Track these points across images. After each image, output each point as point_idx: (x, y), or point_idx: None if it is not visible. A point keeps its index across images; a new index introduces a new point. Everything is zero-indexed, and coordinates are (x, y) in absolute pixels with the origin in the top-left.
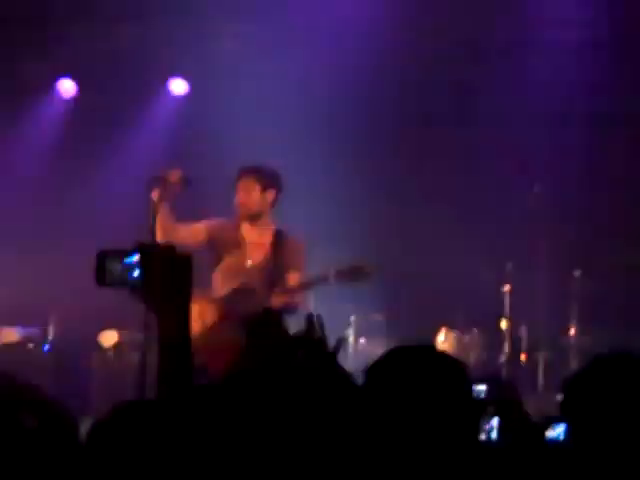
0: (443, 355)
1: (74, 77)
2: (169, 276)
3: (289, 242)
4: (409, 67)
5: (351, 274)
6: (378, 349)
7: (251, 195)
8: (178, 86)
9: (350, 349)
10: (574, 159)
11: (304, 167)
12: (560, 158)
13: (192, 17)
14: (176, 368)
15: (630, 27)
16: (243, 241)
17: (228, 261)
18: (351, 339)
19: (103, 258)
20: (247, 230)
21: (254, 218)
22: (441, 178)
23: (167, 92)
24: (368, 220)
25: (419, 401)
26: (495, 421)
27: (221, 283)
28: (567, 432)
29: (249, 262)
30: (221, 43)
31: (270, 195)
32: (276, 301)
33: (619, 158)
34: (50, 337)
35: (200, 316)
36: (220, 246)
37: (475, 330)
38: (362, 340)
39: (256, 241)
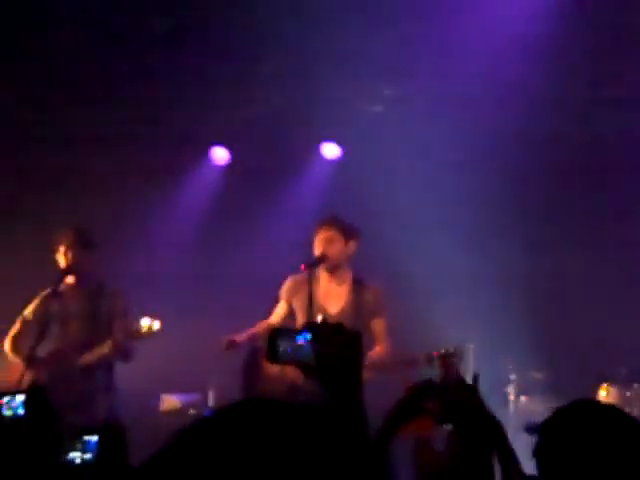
0: (619, 412)
1: (226, 144)
2: (340, 354)
3: (368, 289)
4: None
5: (406, 364)
6: (539, 407)
7: (335, 246)
8: (331, 150)
9: (511, 407)
10: None
11: (455, 224)
12: None
13: (343, 79)
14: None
15: None
16: (318, 295)
17: (300, 316)
18: (512, 397)
19: (275, 336)
20: (325, 281)
21: (334, 269)
22: (598, 233)
23: (320, 156)
24: (526, 277)
25: (596, 459)
26: None
27: None
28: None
29: (322, 315)
30: (372, 106)
31: (353, 245)
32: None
33: None
34: (210, 403)
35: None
36: (296, 302)
37: (637, 385)
38: (523, 398)
39: (335, 292)
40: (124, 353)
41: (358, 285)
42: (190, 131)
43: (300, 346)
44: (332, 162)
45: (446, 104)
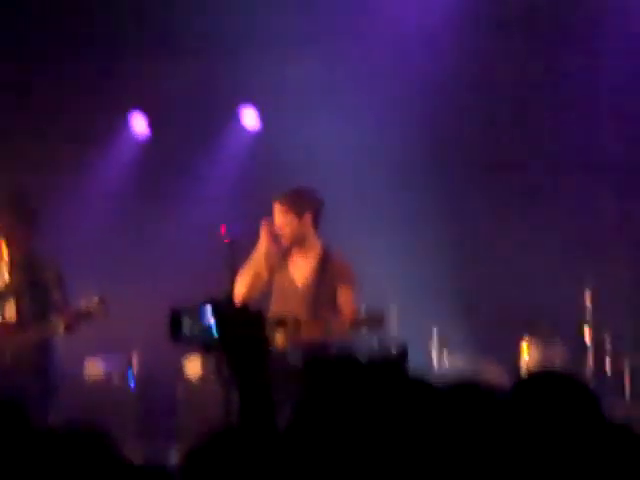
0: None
1: (146, 113)
2: (244, 333)
3: (335, 261)
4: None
5: (365, 324)
6: (461, 363)
7: (288, 224)
8: (250, 117)
9: (434, 364)
10: None
11: (376, 184)
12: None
13: (261, 47)
14: (258, 419)
15: None
16: (288, 264)
17: (278, 283)
18: (434, 354)
19: (177, 315)
20: (295, 253)
21: (299, 243)
22: (515, 185)
23: (239, 124)
24: (445, 233)
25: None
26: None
27: (275, 305)
28: None
29: (293, 285)
30: (289, 73)
31: (307, 218)
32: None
33: None
34: (134, 367)
35: None
36: (273, 269)
37: (558, 340)
38: (445, 354)
39: (302, 263)
40: (74, 330)
41: (325, 257)
42: (109, 101)
43: (203, 326)
44: (252, 130)
45: (365, 68)
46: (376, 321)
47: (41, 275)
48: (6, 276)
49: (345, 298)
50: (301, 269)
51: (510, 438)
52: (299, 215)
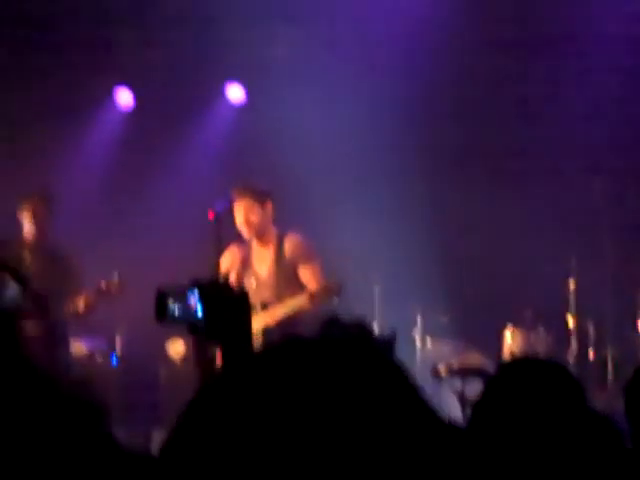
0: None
1: (131, 87)
2: (230, 313)
3: (290, 243)
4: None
5: (323, 295)
6: (444, 349)
7: (252, 214)
8: (235, 92)
9: (417, 350)
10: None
11: (361, 165)
12: (623, 150)
13: (246, 22)
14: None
15: None
16: (252, 261)
17: (246, 282)
18: (418, 340)
19: (163, 297)
20: (256, 248)
21: (260, 234)
22: (499, 171)
23: (224, 99)
24: (431, 218)
25: (540, 417)
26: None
27: None
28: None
29: (258, 278)
30: (274, 47)
31: (268, 207)
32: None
33: None
34: (118, 349)
35: None
36: (237, 270)
37: (541, 328)
38: (428, 340)
39: (263, 255)
40: (93, 309)
41: (279, 240)
42: (94, 73)
43: (189, 306)
44: (237, 105)
45: (347, 45)
46: (333, 290)
47: (63, 266)
48: (29, 263)
49: (308, 275)
50: (263, 261)
51: (493, 423)
52: (262, 204)
